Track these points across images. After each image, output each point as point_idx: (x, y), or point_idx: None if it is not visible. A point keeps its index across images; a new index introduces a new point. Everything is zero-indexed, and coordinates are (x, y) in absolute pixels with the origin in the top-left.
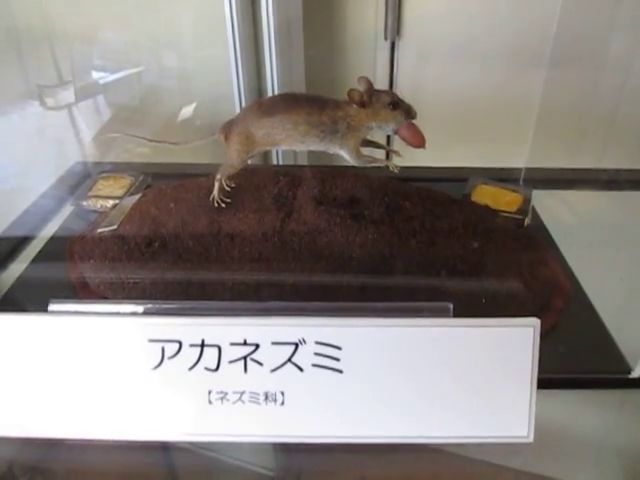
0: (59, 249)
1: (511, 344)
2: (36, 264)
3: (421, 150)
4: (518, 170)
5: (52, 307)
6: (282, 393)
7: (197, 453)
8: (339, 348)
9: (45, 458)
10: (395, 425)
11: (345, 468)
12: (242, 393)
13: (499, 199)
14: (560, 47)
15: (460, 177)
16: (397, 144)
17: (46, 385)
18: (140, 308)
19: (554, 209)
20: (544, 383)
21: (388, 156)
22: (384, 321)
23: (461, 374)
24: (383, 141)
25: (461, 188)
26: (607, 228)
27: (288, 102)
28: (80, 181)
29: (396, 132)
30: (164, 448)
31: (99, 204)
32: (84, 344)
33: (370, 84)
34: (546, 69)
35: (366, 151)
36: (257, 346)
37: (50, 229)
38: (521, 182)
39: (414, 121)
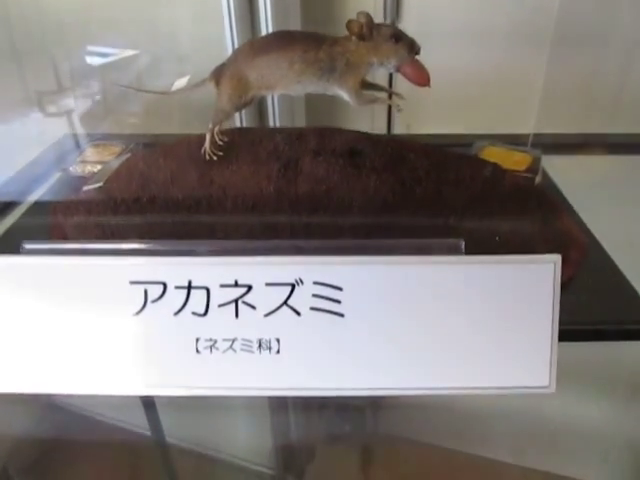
0: (43, 212)
1: (530, 283)
2: (17, 227)
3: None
4: (526, 136)
5: (25, 247)
6: (277, 340)
7: (197, 452)
8: (340, 289)
9: (40, 458)
10: (403, 375)
11: (348, 466)
12: (233, 340)
13: (507, 159)
14: (563, 27)
15: (466, 143)
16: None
17: (17, 334)
18: (120, 247)
19: (565, 171)
20: (565, 335)
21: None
22: (389, 259)
23: (475, 317)
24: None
25: (467, 151)
26: (621, 190)
27: (283, 40)
28: (68, 152)
29: (398, 69)
30: (164, 446)
31: (87, 170)
32: (58, 288)
33: (370, 18)
34: (548, 51)
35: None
36: (249, 288)
37: (34, 196)
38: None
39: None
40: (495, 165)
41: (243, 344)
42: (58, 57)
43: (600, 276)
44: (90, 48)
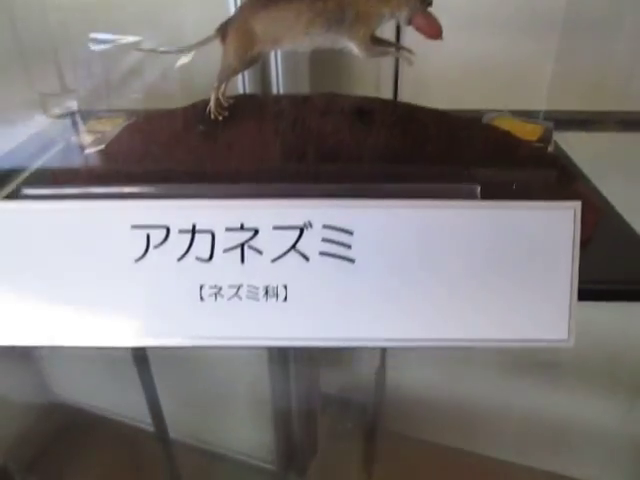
0: (44, 178)
1: (549, 230)
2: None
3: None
4: (537, 113)
5: (24, 192)
6: (285, 287)
7: (198, 448)
8: (351, 233)
9: (41, 455)
10: (415, 325)
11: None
12: (239, 287)
13: (519, 129)
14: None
15: (476, 117)
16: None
17: (15, 283)
18: (122, 191)
19: (577, 144)
20: (583, 294)
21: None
22: (403, 202)
23: (491, 265)
24: None
25: None
26: (634, 164)
27: None
28: (69, 127)
29: (410, 22)
30: (165, 442)
31: (90, 140)
32: (57, 233)
33: None
34: (559, 35)
35: None
36: (256, 231)
37: (35, 165)
38: None
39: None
40: (508, 132)
41: (249, 291)
42: (61, 55)
43: (616, 237)
44: (92, 35)
